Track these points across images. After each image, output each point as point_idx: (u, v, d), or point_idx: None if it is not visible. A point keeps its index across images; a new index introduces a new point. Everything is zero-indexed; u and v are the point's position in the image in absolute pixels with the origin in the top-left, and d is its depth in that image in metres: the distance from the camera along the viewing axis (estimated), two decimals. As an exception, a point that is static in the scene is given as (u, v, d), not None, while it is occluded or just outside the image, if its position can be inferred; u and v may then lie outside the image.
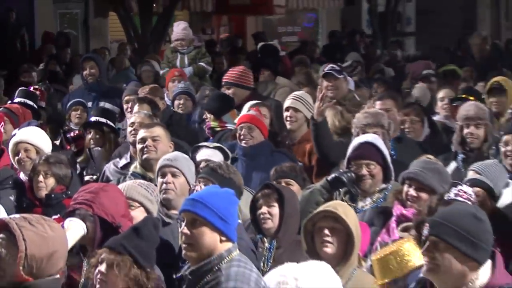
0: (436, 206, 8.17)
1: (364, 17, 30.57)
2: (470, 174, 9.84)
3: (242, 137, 11.93)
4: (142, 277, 7.48)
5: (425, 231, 6.66)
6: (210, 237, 7.24)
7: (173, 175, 9.62)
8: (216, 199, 7.31)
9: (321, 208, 8.29)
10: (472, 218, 6.63)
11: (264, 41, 23.28)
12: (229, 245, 7.37)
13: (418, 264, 7.35)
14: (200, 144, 11.48)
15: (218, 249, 7.28)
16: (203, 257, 7.25)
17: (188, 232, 7.24)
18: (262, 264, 8.91)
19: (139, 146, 10.78)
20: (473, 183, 9.31)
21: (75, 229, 7.84)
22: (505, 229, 8.63)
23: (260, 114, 12.37)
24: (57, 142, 13.25)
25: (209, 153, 10.84)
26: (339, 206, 8.23)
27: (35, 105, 14.57)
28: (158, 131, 10.87)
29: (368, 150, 10.02)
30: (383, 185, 9.87)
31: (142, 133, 10.86)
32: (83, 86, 16.48)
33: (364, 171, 9.83)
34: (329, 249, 7.93)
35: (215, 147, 11.18)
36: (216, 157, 10.72)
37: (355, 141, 10.43)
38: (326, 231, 7.97)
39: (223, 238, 7.29)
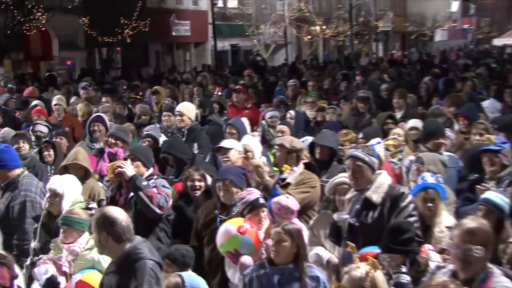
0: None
1: (97, 60, 29.91)
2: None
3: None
4: None
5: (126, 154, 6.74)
6: (4, 172, 6.81)
7: None
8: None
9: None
10: (148, 150, 6.82)
11: (53, 75, 22.28)
12: (19, 170, 6.92)
13: None
14: (37, 122, 10.29)
15: (13, 173, 6.83)
16: (8, 179, 6.84)
17: None
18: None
19: None
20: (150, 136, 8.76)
21: None
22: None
23: (43, 107, 11.71)
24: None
25: (41, 127, 9.86)
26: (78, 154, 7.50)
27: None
28: None
29: (99, 119, 9.33)
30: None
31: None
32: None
33: (96, 128, 9.16)
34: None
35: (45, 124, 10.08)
36: (44, 128, 9.84)
37: (94, 115, 9.83)
38: None
39: (10, 169, 6.83)
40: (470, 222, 4.13)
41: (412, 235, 4.86)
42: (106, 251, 4.64)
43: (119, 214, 4.56)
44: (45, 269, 5.43)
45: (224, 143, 7.32)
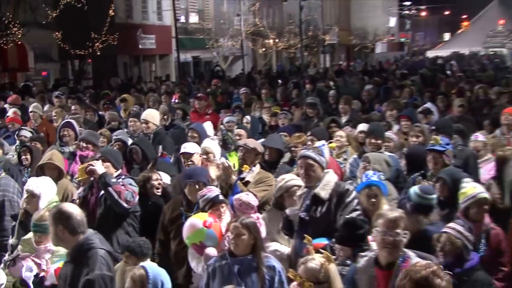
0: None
1: (70, 71, 29.50)
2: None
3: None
4: None
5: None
6: None
7: None
8: None
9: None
10: (117, 153, 6.63)
11: (28, 84, 21.74)
12: None
13: None
14: (22, 128, 9.96)
15: None
16: None
17: None
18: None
19: None
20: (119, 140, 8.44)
21: None
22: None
23: (16, 114, 11.24)
24: None
25: (26, 133, 9.54)
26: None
27: None
28: None
29: (68, 125, 9.02)
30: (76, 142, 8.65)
31: None
32: None
33: (66, 132, 8.87)
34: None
35: (29, 130, 9.81)
36: (28, 133, 9.48)
37: (64, 121, 9.42)
38: None
39: None
40: (391, 212, 4.31)
41: (364, 231, 4.86)
42: (61, 243, 4.60)
43: (73, 209, 4.53)
44: (29, 267, 5.38)
45: (187, 149, 7.21)
